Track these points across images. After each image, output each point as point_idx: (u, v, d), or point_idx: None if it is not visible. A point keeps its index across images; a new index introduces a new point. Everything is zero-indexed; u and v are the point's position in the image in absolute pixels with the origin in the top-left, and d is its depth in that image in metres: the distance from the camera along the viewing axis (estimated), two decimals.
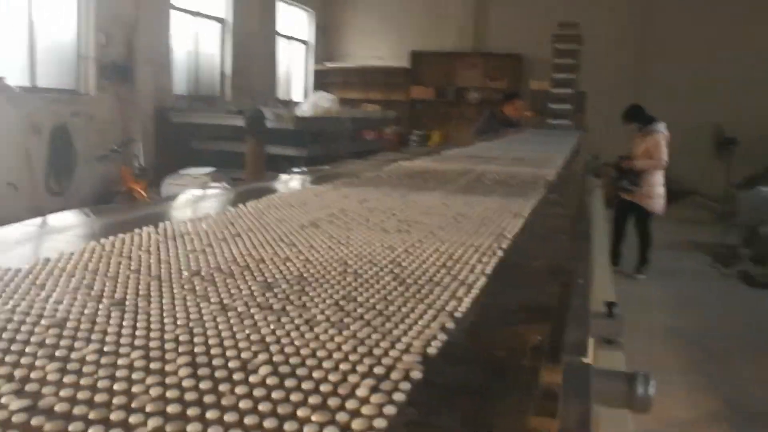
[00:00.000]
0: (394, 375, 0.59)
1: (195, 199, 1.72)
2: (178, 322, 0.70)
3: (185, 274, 0.89)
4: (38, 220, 1.33)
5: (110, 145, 7.80)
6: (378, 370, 0.59)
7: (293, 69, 14.07)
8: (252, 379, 0.57)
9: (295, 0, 13.53)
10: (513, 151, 3.44)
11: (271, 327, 0.70)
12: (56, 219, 1.37)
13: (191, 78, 10.44)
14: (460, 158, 2.93)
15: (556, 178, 2.26)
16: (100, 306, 0.75)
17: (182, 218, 1.28)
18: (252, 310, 0.75)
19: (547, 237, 1.27)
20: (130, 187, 7.60)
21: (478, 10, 13.91)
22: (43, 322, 0.69)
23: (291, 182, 2.10)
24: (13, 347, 0.62)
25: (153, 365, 0.59)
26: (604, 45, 12.68)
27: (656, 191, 7.12)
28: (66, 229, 1.27)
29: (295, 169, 2.66)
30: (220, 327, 0.69)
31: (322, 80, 14.59)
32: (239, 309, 0.75)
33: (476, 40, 14.04)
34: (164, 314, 0.72)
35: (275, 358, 0.61)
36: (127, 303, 0.76)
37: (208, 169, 8.20)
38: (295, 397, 0.54)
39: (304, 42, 14.34)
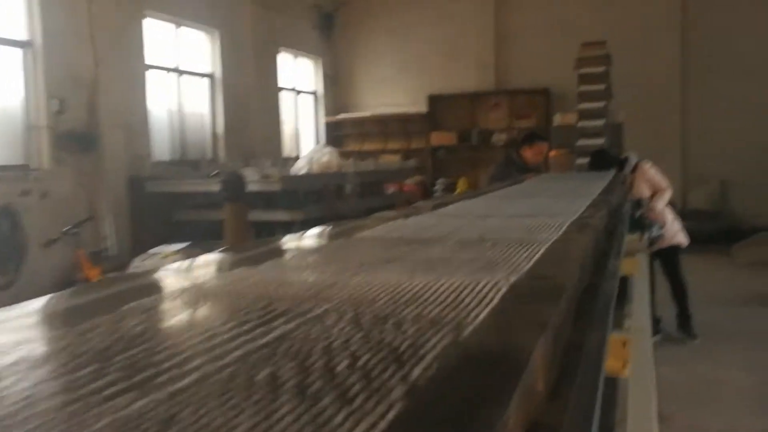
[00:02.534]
0: None
1: None
2: None
3: None
4: None
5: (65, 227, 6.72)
6: None
7: (302, 123, 13.03)
8: None
9: (299, 50, 12.57)
10: (494, 216, 2.15)
11: None
12: None
13: (176, 141, 9.42)
14: (377, 245, 1.63)
15: (533, 278, 0.98)
16: None
17: None
18: None
19: None
20: (87, 274, 6.47)
21: (498, 44, 12.73)
22: None
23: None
24: None
25: None
26: (642, 67, 11.30)
27: (677, 223, 5.87)
28: None
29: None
30: None
31: (335, 133, 13.54)
32: None
33: (498, 78, 12.81)
34: None
35: None
36: None
37: (182, 245, 7.05)
38: None
39: (312, 93, 13.33)
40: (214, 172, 7.76)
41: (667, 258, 5.75)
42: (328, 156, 8.57)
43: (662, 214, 5.57)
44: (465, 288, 1.01)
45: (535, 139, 6.24)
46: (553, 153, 6.41)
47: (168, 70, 9.27)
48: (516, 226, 1.86)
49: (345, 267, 1.25)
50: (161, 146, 9.13)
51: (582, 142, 6.75)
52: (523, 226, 1.86)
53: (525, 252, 1.36)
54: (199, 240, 7.95)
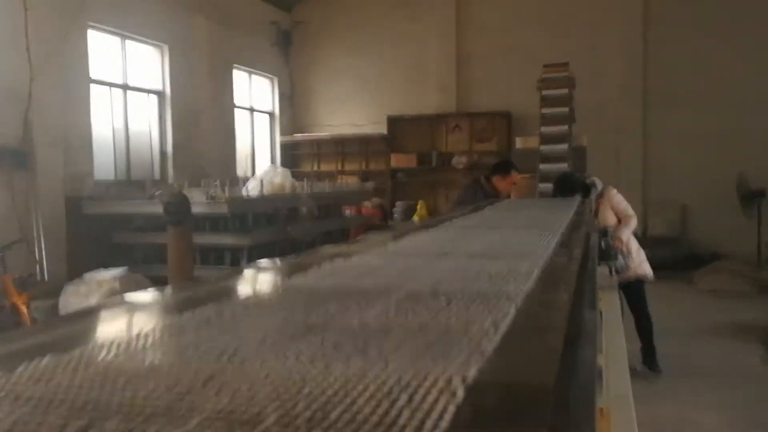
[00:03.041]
0: None
1: None
2: None
3: None
4: None
5: None
6: None
7: (258, 143, 12.63)
8: None
9: (254, 68, 12.20)
10: (453, 255, 1.82)
11: None
12: None
13: (122, 160, 8.95)
14: (301, 300, 1.28)
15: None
16: None
17: None
18: None
19: None
20: (13, 301, 5.96)
21: (459, 66, 12.53)
22: None
23: None
24: None
25: None
26: (604, 92, 11.22)
27: (642, 253, 5.54)
28: None
29: None
30: None
31: (291, 153, 13.17)
32: None
33: (459, 100, 12.60)
34: None
35: None
36: None
37: (117, 270, 6.58)
38: None
39: (268, 113, 12.95)
40: (157, 193, 7.30)
41: (631, 289, 5.48)
42: (280, 177, 8.19)
43: (628, 244, 5.32)
44: (402, 392, 0.66)
45: (511, 169, 5.95)
46: (517, 178, 6.13)
47: (113, 85, 8.82)
48: (477, 271, 1.52)
49: (242, 341, 0.90)
50: (105, 165, 8.66)
51: (545, 166, 6.49)
52: (485, 272, 1.52)
53: (489, 316, 1.02)
54: (141, 264, 7.50)
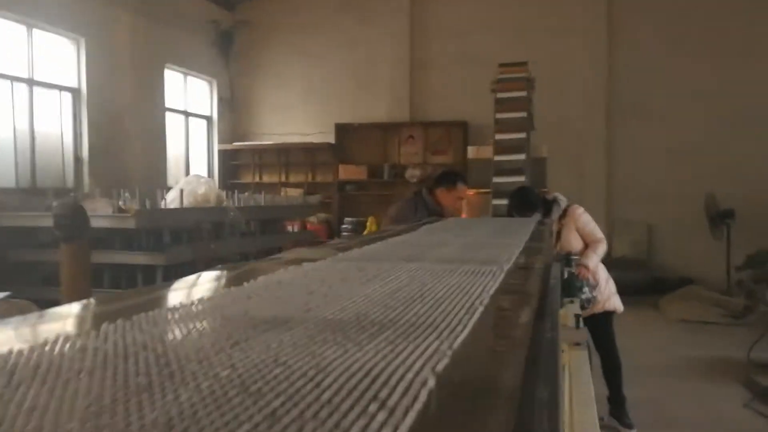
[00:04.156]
0: None
1: None
2: None
3: None
4: None
5: None
6: None
7: (194, 150, 11.62)
8: None
9: (191, 68, 11.22)
10: (298, 324, 0.90)
11: None
12: None
13: (25, 166, 7.89)
14: None
15: None
16: None
17: None
18: None
19: None
20: None
21: (414, 73, 11.74)
22: None
23: None
24: None
25: None
26: (567, 103, 10.54)
27: (611, 283, 4.70)
28: None
29: None
30: None
31: (230, 162, 12.20)
32: None
33: (413, 109, 11.79)
34: None
35: None
36: None
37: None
38: None
39: (205, 117, 11.96)
40: (54, 204, 6.29)
41: (598, 326, 4.63)
42: (204, 188, 7.23)
43: (596, 273, 4.49)
44: None
45: (457, 181, 5.06)
46: (464, 192, 5.26)
47: (17, 79, 7.78)
48: (291, 390, 0.60)
49: None
50: (5, 171, 7.62)
51: (499, 179, 5.67)
52: (332, 384, 0.59)
53: None
54: (36, 286, 6.48)
